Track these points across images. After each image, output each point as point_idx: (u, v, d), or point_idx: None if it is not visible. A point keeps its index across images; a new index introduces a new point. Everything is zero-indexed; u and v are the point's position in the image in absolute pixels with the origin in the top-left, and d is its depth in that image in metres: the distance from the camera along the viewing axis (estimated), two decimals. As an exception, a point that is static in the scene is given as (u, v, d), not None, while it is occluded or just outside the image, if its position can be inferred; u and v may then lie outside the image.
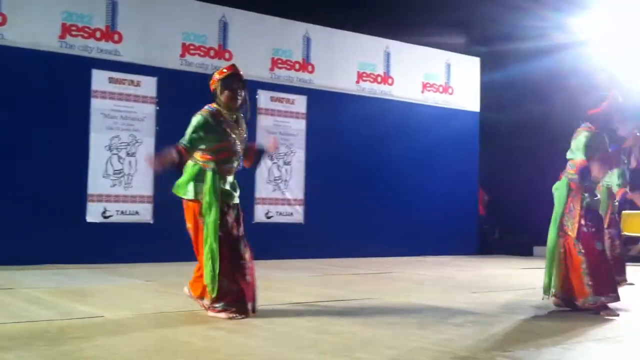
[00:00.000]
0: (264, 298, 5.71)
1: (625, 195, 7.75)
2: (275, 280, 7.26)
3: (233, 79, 4.88)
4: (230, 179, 4.95)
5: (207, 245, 4.69)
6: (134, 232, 9.06)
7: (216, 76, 4.93)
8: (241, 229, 4.92)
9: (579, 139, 5.47)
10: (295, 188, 10.64)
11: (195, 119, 4.80)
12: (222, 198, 4.79)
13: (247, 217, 9.92)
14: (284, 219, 10.54)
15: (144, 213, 9.22)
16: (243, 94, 4.93)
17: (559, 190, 5.53)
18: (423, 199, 11.75)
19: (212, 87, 4.93)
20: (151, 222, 9.19)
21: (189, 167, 4.88)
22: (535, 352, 3.79)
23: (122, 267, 8.22)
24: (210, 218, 4.69)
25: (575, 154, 5.49)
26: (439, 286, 7.18)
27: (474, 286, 7.19)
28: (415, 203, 11.64)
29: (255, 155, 5.28)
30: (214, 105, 4.91)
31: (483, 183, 13.04)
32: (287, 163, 10.58)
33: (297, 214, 10.66)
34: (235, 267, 4.78)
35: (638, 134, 7.97)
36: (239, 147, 4.94)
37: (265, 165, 10.29)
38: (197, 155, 4.85)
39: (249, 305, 4.81)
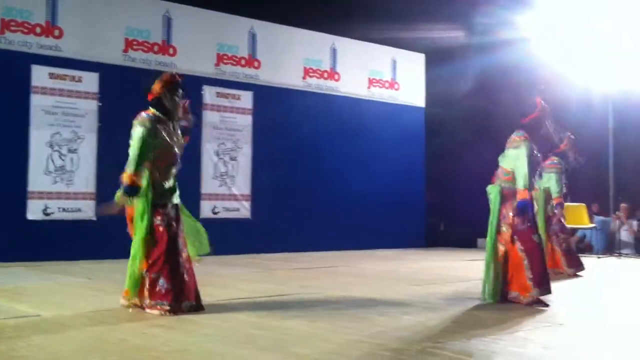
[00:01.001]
0: (205, 294, 5.70)
1: (560, 206, 7.98)
2: (218, 277, 7.25)
3: (177, 85, 4.93)
4: (169, 182, 4.97)
5: (135, 249, 4.77)
6: (76, 229, 8.94)
7: (158, 86, 4.89)
8: (180, 227, 4.93)
9: (520, 153, 5.47)
10: (242, 184, 10.63)
11: (138, 136, 4.76)
12: (157, 199, 4.83)
13: (193, 213, 9.89)
14: (231, 214, 10.52)
15: (87, 210, 9.09)
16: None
17: (492, 197, 5.61)
18: (370, 193, 11.86)
19: (155, 94, 4.89)
20: (94, 219, 9.07)
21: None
22: (466, 343, 3.89)
23: (63, 265, 8.11)
24: (143, 223, 4.76)
25: (517, 174, 5.46)
26: (381, 279, 7.29)
27: (416, 278, 7.32)
28: (362, 198, 11.75)
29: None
30: (151, 111, 4.90)
31: (429, 178, 13.22)
32: (233, 159, 10.56)
33: (243, 210, 10.65)
34: (172, 264, 4.79)
35: (572, 136, 8.26)
36: (178, 153, 4.99)
37: (211, 161, 10.27)
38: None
39: (184, 305, 4.81)
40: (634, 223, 11.58)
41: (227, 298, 5.66)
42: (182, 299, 4.80)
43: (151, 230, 4.79)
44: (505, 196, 5.54)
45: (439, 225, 13.74)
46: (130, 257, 4.81)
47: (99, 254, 8.63)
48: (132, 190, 4.73)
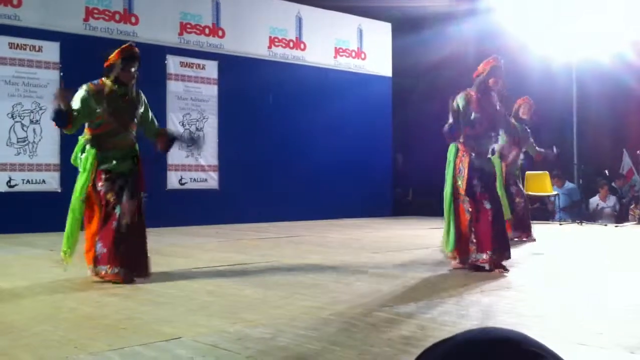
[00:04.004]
0: (167, 264, 5.79)
1: (502, 157, 8.01)
2: (182, 247, 7.30)
3: (132, 58, 5.00)
4: (119, 151, 5.03)
5: (70, 210, 4.93)
6: (41, 201, 8.90)
7: (115, 55, 4.99)
8: (126, 195, 4.96)
9: (452, 103, 5.63)
10: (209, 154, 10.63)
11: (79, 94, 4.89)
12: (101, 165, 4.94)
13: (160, 184, 9.95)
14: (198, 185, 10.54)
15: (51, 182, 9.07)
16: (137, 73, 5.08)
17: (449, 152, 5.74)
18: (338, 163, 11.92)
19: (110, 62, 5.00)
20: (59, 190, 9.04)
21: (80, 141, 5.07)
22: (412, 306, 3.99)
23: (27, 237, 8.09)
24: (78, 184, 4.95)
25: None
26: (343, 248, 7.38)
27: (378, 247, 7.42)
28: (330, 167, 11.81)
29: (166, 140, 5.38)
30: (101, 80, 4.99)
31: (397, 147, 13.32)
32: (199, 129, 10.54)
33: (211, 180, 10.67)
34: (109, 229, 4.87)
35: (529, 100, 8.33)
36: (126, 119, 5.04)
37: (177, 130, 10.24)
38: (86, 129, 5.03)
39: (118, 270, 4.85)
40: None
41: (188, 267, 5.72)
42: (117, 264, 4.84)
43: (92, 194, 4.93)
44: (460, 150, 5.65)
45: (406, 194, 13.88)
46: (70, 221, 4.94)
47: (64, 226, 8.58)
48: (59, 114, 4.78)
